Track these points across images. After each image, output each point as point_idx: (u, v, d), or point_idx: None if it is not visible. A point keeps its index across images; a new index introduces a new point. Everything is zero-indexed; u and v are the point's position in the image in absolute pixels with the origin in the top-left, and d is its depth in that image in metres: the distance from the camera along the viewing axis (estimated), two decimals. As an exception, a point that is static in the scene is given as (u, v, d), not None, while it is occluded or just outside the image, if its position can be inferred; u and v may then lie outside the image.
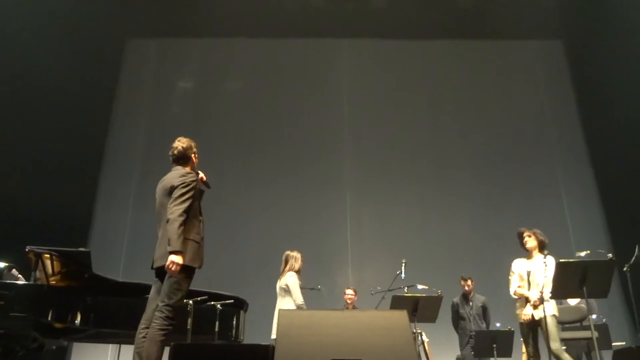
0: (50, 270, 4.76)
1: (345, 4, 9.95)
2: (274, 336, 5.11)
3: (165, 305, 3.31)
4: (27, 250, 4.68)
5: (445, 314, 6.47)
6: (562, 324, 5.90)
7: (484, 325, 6.68)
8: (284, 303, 5.33)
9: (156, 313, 3.31)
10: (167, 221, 3.36)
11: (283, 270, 5.52)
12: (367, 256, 9.01)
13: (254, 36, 10.21)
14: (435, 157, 9.68)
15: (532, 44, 10.46)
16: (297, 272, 5.46)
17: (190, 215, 3.45)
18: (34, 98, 8.36)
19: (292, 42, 10.34)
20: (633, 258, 5.39)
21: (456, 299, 6.94)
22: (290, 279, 5.34)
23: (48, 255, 4.69)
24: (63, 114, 8.58)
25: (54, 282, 4.76)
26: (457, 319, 6.88)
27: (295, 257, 5.53)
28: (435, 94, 10.21)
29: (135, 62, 10.45)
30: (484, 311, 6.77)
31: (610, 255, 4.70)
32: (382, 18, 9.90)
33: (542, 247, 4.72)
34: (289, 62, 10.31)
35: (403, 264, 6.17)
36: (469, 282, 6.86)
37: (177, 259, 3.28)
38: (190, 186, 3.47)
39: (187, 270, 3.39)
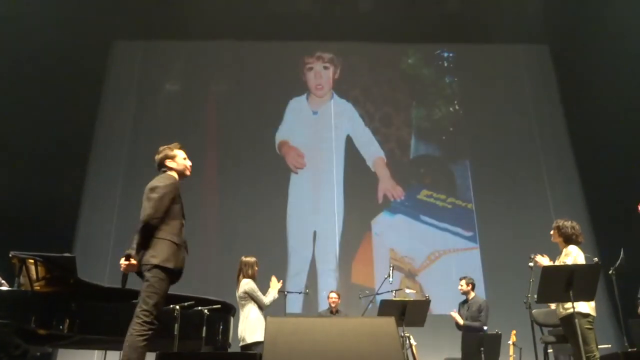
0: (34, 276, 4.69)
1: (332, 7, 9.98)
2: (242, 343, 5.12)
3: (142, 310, 3.27)
4: (10, 255, 4.61)
5: (433, 318, 6.50)
6: (544, 326, 5.95)
7: (476, 324, 6.60)
8: (246, 310, 5.27)
9: (134, 318, 3.27)
10: None
11: (238, 278, 5.46)
12: (355, 260, 9.02)
13: (241, 39, 10.20)
14: (422, 162, 9.73)
15: (518, 48, 10.57)
16: (252, 277, 5.39)
17: (169, 218, 3.48)
18: (16, 100, 8.24)
19: (278, 45, 10.34)
20: (618, 261, 5.45)
21: (460, 302, 6.93)
22: (247, 286, 5.29)
23: (32, 261, 4.63)
24: (47, 116, 8.48)
25: (38, 288, 4.69)
26: (456, 324, 6.87)
27: (249, 263, 5.45)
28: (422, 96, 10.27)
29: (120, 64, 10.37)
30: (479, 312, 6.74)
31: (595, 259, 4.75)
32: (369, 22, 9.93)
33: (567, 240, 4.55)
34: (275, 65, 10.31)
35: (391, 269, 6.19)
36: (462, 282, 6.86)
37: (132, 261, 3.37)
38: (165, 189, 3.49)
39: (161, 271, 3.36)
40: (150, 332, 3.26)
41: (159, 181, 3.58)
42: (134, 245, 3.49)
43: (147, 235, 3.41)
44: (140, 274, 3.47)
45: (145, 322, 3.25)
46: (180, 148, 3.83)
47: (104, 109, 10.00)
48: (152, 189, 3.51)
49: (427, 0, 9.90)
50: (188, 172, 3.79)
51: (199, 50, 10.42)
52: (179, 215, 3.58)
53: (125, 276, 3.50)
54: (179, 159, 3.77)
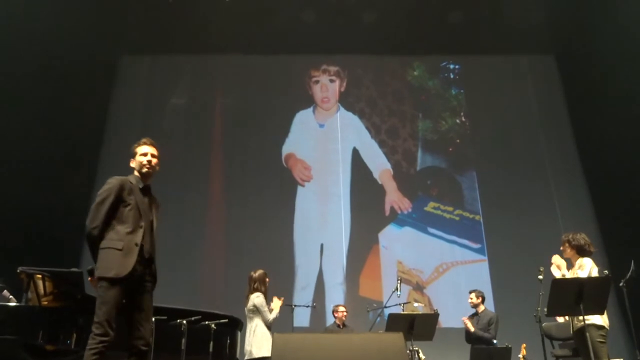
0: (42, 291, 4.69)
1: (337, 21, 10.02)
2: (248, 357, 5.13)
3: (94, 322, 3.17)
4: (18, 271, 4.62)
5: (442, 331, 6.44)
6: (556, 339, 5.88)
7: (487, 335, 6.53)
8: (253, 324, 5.27)
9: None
10: None
11: (248, 293, 5.45)
12: (362, 273, 8.97)
13: (247, 52, 10.26)
14: (429, 173, 9.71)
15: (523, 59, 10.56)
16: (263, 292, 5.40)
17: (113, 223, 3.37)
18: (24, 114, 8.30)
19: (284, 58, 10.40)
20: (629, 273, 5.38)
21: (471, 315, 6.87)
22: (256, 300, 5.29)
23: (40, 276, 4.63)
24: (54, 130, 8.53)
25: (46, 303, 4.68)
26: (466, 334, 6.81)
27: (259, 279, 5.46)
28: (428, 108, 10.27)
29: (127, 78, 10.45)
30: (489, 325, 6.67)
31: (606, 271, 4.69)
32: (374, 34, 9.96)
33: (580, 251, 4.47)
34: (281, 78, 10.36)
35: (399, 282, 6.14)
36: (472, 295, 6.80)
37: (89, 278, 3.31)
38: (102, 195, 3.41)
39: (104, 281, 3.23)
40: (101, 345, 3.12)
41: (105, 185, 3.48)
42: None
43: (92, 246, 3.34)
44: None
45: (96, 334, 3.13)
46: (145, 144, 3.65)
47: (111, 123, 10.07)
48: (97, 197, 3.43)
49: (431, 12, 9.92)
50: (145, 170, 3.58)
51: (206, 64, 10.49)
52: (129, 219, 3.40)
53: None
54: (137, 156, 3.61)
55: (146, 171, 3.59)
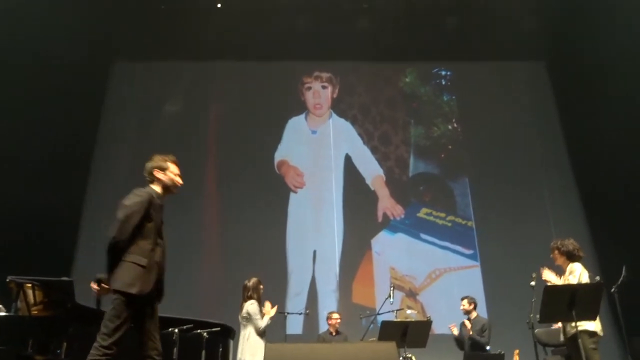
0: (32, 300, 4.64)
1: (329, 27, 10.05)
2: None
3: (101, 333, 3.12)
4: (8, 280, 4.57)
5: (435, 337, 6.43)
6: (548, 346, 5.89)
7: (482, 339, 6.52)
8: (246, 332, 5.27)
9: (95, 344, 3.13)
10: None
11: (242, 301, 5.46)
12: (355, 279, 8.96)
13: (240, 59, 10.26)
14: (422, 180, 9.73)
15: (515, 66, 10.62)
16: (257, 300, 5.41)
17: (138, 238, 3.29)
18: (16, 117, 8.23)
19: (276, 64, 10.40)
20: (620, 279, 5.40)
21: (462, 322, 6.87)
22: (250, 307, 5.29)
23: (30, 285, 4.58)
24: (47, 137, 8.48)
25: (36, 312, 4.64)
26: (457, 342, 6.82)
27: (253, 287, 5.47)
28: (420, 115, 10.30)
29: (121, 84, 10.41)
30: (482, 331, 6.67)
31: (598, 277, 4.71)
32: (366, 41, 9.99)
33: (570, 257, 4.52)
34: (273, 85, 10.36)
35: (391, 289, 6.14)
36: (464, 302, 6.82)
37: (105, 285, 3.22)
38: (133, 207, 3.31)
39: (123, 296, 3.18)
40: (104, 358, 3.07)
41: (130, 198, 3.37)
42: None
43: (114, 257, 3.24)
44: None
45: (101, 345, 3.09)
46: (175, 162, 3.61)
47: (104, 129, 10.01)
48: (122, 207, 3.32)
49: (424, 19, 9.99)
50: (175, 190, 3.58)
51: (198, 70, 10.47)
52: (151, 235, 3.36)
53: (98, 299, 3.39)
54: (170, 173, 3.56)
55: (175, 192, 3.60)
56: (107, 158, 9.79)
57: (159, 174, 3.54)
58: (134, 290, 3.19)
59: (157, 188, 3.53)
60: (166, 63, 10.43)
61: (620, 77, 8.26)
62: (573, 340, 4.28)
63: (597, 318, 4.29)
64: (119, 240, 3.23)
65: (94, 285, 3.29)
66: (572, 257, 4.51)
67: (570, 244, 4.55)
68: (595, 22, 8.97)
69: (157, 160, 3.57)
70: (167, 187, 3.55)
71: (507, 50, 9.99)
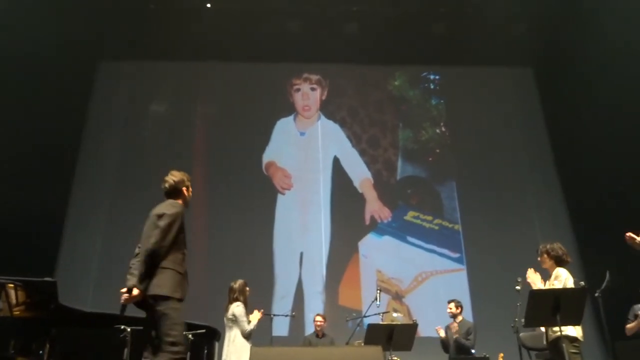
0: (14, 301, 4.58)
1: (319, 29, 10.06)
2: None
3: (168, 343, 3.26)
4: (-11, 280, 4.50)
5: (421, 340, 6.44)
6: (532, 350, 5.92)
7: (467, 342, 6.57)
8: (232, 334, 5.27)
9: (162, 355, 3.26)
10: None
11: (228, 302, 5.47)
12: (342, 282, 8.96)
13: (228, 60, 10.22)
14: (409, 183, 9.76)
15: (502, 71, 10.69)
16: (243, 302, 5.42)
17: (174, 247, 3.46)
18: (1, 119, 8.14)
19: (265, 66, 10.37)
20: (604, 283, 5.45)
21: (448, 324, 6.90)
22: (236, 309, 5.30)
23: (12, 285, 4.51)
24: (32, 135, 8.38)
25: (18, 313, 4.57)
26: (443, 344, 6.85)
27: (239, 289, 5.49)
28: (409, 118, 10.33)
29: (107, 84, 10.31)
30: (467, 335, 6.71)
31: (582, 282, 4.75)
32: (355, 44, 10.01)
33: (558, 262, 4.54)
34: (262, 86, 10.33)
35: (378, 292, 6.15)
36: (451, 305, 6.85)
37: (134, 292, 3.31)
38: (173, 217, 3.48)
39: (173, 302, 3.36)
40: (183, 357, 3.34)
41: (167, 209, 3.55)
42: (133, 272, 3.46)
43: (153, 263, 3.37)
44: (140, 303, 3.43)
45: (176, 351, 3.26)
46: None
47: (90, 129, 9.91)
48: (160, 217, 3.48)
49: (413, 23, 10.02)
50: (187, 207, 3.80)
51: (187, 71, 10.40)
52: (182, 245, 3.57)
53: (124, 306, 3.46)
54: (189, 191, 3.83)
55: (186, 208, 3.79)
56: (92, 158, 9.69)
57: (186, 191, 3.81)
58: (178, 295, 3.40)
59: (182, 205, 3.74)
60: (154, 63, 10.36)
61: (606, 83, 8.35)
62: (554, 345, 4.32)
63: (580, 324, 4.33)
64: (161, 247, 3.38)
65: (125, 295, 3.39)
66: (560, 262, 4.55)
67: (559, 248, 4.59)
68: (583, 29, 9.07)
69: (181, 176, 3.82)
70: (186, 203, 3.79)
71: (495, 55, 10.04)
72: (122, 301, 3.40)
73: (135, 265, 3.51)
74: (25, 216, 7.73)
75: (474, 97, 10.36)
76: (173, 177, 3.76)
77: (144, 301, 3.40)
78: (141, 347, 3.45)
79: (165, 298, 3.32)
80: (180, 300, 3.40)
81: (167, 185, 3.74)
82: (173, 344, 3.26)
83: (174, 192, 3.73)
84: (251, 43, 9.93)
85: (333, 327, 7.58)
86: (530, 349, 5.85)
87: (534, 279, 4.54)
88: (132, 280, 3.42)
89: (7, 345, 4.18)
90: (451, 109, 10.43)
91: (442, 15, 10.05)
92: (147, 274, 3.35)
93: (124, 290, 3.39)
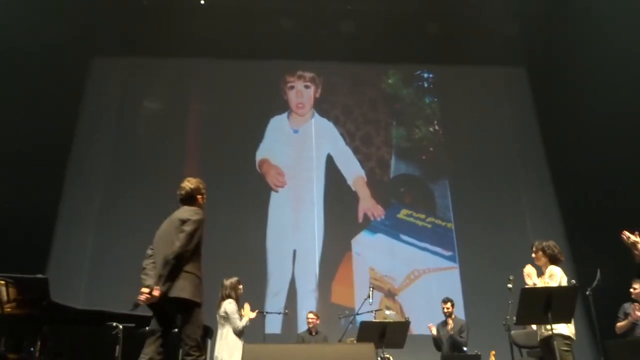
0: (5, 298, 4.56)
1: (315, 27, 10.05)
2: None
3: (191, 346, 3.38)
4: (-20, 277, 4.48)
5: (413, 338, 6.47)
6: (523, 347, 5.96)
7: (461, 339, 6.61)
8: (224, 331, 5.28)
9: (185, 356, 3.38)
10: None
11: (220, 299, 5.46)
12: (335, 280, 8.97)
13: (222, 57, 10.19)
14: (402, 181, 9.78)
15: (496, 70, 10.72)
16: (236, 299, 5.41)
17: (195, 253, 3.56)
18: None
19: (259, 63, 10.34)
20: (595, 282, 5.50)
21: (439, 322, 6.93)
22: (228, 306, 5.30)
23: (3, 282, 4.49)
24: (24, 133, 8.32)
25: (9, 310, 4.55)
26: (435, 342, 6.88)
27: (232, 286, 5.48)
28: (402, 116, 10.35)
29: (99, 81, 10.25)
30: (460, 333, 6.75)
31: (573, 281, 4.78)
32: (350, 42, 10.01)
33: (553, 260, 4.58)
34: (256, 83, 10.31)
35: (371, 290, 6.16)
36: (448, 304, 6.88)
37: (155, 292, 3.34)
38: (197, 223, 3.58)
39: (195, 306, 3.47)
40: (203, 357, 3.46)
41: (192, 215, 3.63)
42: (148, 272, 3.54)
43: (176, 267, 3.42)
44: (156, 304, 3.46)
45: (197, 352, 3.39)
46: None
47: (82, 126, 9.85)
48: (184, 221, 3.55)
49: (407, 22, 10.03)
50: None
51: (180, 68, 10.35)
52: (200, 250, 3.65)
53: (138, 304, 3.51)
54: (204, 198, 3.91)
55: None
56: (85, 154, 9.64)
57: (201, 199, 3.89)
58: (198, 300, 3.50)
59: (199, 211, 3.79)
60: (147, 59, 10.31)
61: (598, 83, 8.39)
62: (546, 343, 4.35)
63: (572, 322, 4.36)
64: (186, 251, 3.47)
65: (146, 294, 3.42)
66: (554, 260, 4.59)
67: (554, 246, 4.64)
68: (575, 29, 9.12)
69: (197, 184, 3.89)
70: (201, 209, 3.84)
71: (489, 55, 10.07)
72: (142, 300, 3.43)
73: (151, 267, 3.58)
74: (17, 213, 7.69)
75: (468, 96, 10.39)
76: (189, 184, 3.82)
77: (158, 302, 3.43)
78: (134, 345, 3.46)
79: (188, 302, 3.41)
80: (200, 304, 3.50)
81: (183, 192, 3.80)
82: (195, 347, 3.37)
83: (189, 199, 3.79)
84: (245, 40, 9.90)
85: (326, 325, 7.58)
86: (521, 346, 5.89)
87: (531, 272, 4.56)
88: (148, 280, 3.48)
89: (-2, 342, 4.15)
90: (445, 107, 10.45)
91: (436, 14, 10.06)
92: (170, 277, 3.40)
93: (145, 290, 3.42)
